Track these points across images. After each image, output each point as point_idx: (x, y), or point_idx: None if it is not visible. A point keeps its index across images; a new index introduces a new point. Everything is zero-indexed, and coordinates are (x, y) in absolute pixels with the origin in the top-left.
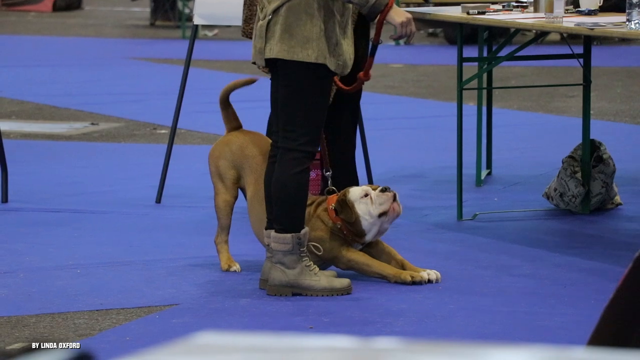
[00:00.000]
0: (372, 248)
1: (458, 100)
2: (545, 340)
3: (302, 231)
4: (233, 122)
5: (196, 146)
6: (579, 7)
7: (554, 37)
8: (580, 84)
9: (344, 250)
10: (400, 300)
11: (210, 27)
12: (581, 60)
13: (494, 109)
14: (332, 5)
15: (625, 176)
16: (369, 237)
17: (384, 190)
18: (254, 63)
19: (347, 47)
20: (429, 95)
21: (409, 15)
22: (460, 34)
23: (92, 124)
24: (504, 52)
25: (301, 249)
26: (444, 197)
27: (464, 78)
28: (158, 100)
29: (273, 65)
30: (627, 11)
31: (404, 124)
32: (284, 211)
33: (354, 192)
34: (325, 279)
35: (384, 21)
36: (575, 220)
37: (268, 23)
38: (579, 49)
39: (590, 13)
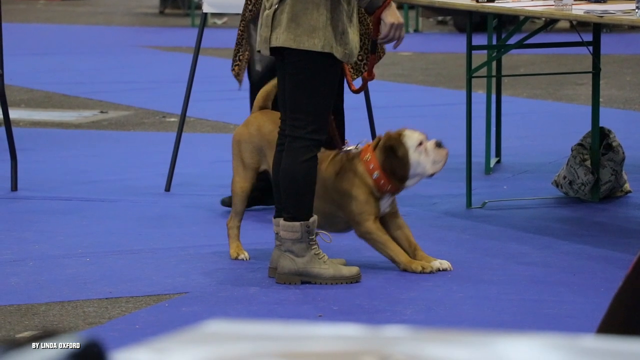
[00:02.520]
0: (390, 219)
1: (467, 88)
2: (554, 328)
3: (311, 219)
4: (261, 105)
5: (205, 134)
6: None
7: (564, 24)
8: (590, 72)
9: (370, 221)
10: (409, 288)
11: (219, 15)
12: (590, 47)
13: (503, 97)
14: None
15: (634, 164)
16: (408, 184)
17: (439, 144)
18: (259, 52)
19: (354, 36)
20: (438, 83)
21: (402, 20)
22: (470, 22)
23: (102, 112)
24: (513, 40)
25: (310, 237)
26: (453, 185)
27: (474, 66)
28: (167, 89)
29: (279, 54)
30: None
31: (413, 112)
32: (293, 199)
33: (411, 138)
34: (333, 267)
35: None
36: (585, 208)
37: (274, 12)
38: (588, 37)
39: (599, 0)
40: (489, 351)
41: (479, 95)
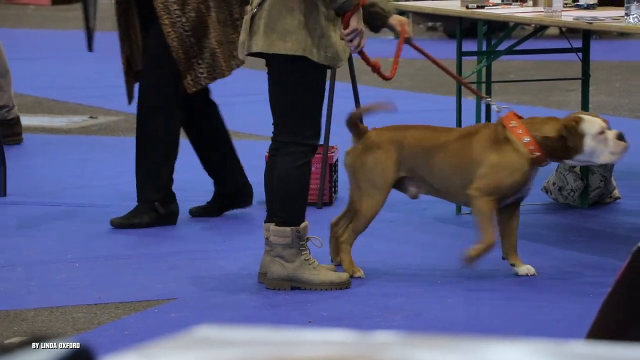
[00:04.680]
0: (511, 208)
1: (457, 94)
2: (544, 333)
3: (302, 224)
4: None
5: None
6: (578, 1)
7: (553, 31)
8: (579, 78)
9: (491, 199)
10: (399, 294)
11: None
12: (580, 54)
13: None
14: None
15: (623, 170)
16: (566, 162)
17: (620, 137)
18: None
19: (338, 39)
20: (427, 89)
21: (362, 29)
22: (460, 28)
23: (91, 117)
24: (503, 47)
25: (300, 243)
26: None
27: (463, 72)
28: None
29: (265, 60)
30: (625, 5)
31: (403, 118)
32: (285, 204)
33: (592, 124)
34: (324, 272)
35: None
36: (574, 214)
37: (252, 17)
38: (577, 43)
39: (589, 7)
40: (479, 356)
41: (469, 102)
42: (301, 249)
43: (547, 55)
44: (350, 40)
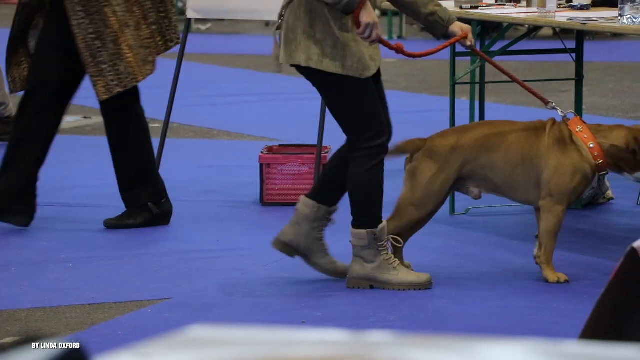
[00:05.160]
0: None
1: (451, 95)
2: (538, 333)
3: (380, 226)
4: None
5: (189, 140)
6: (572, 1)
7: (547, 31)
8: (573, 79)
9: (565, 204)
10: (394, 294)
11: (203, 21)
12: (574, 55)
13: (487, 103)
14: (324, 7)
15: None
16: (628, 175)
17: None
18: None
19: (358, 47)
20: (422, 89)
21: (375, 20)
22: None
23: (85, 117)
24: (496, 47)
25: (379, 244)
26: None
27: (457, 73)
28: (151, 94)
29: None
30: (619, 6)
31: (398, 119)
32: (359, 208)
33: None
34: (403, 273)
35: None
36: (568, 214)
37: (278, 28)
38: (571, 44)
39: (582, 8)
40: (473, 356)
41: (463, 102)
42: (380, 249)
43: (540, 55)
44: (368, 36)
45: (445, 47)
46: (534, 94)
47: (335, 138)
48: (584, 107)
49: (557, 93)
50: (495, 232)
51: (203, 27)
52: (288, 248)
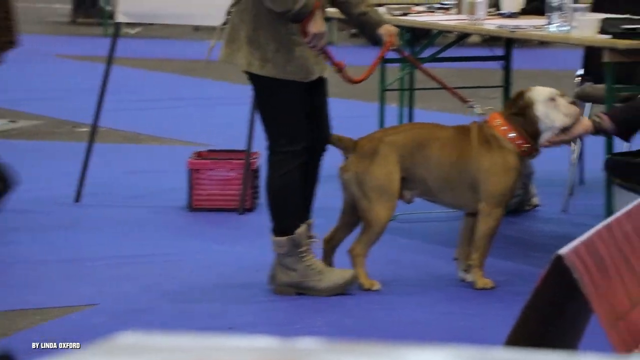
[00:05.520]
0: (474, 216)
1: (380, 101)
2: (465, 339)
3: (298, 231)
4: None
5: (117, 144)
6: (501, 9)
7: (475, 39)
8: (501, 86)
9: (503, 207)
10: (322, 300)
11: (132, 24)
12: (502, 62)
13: (415, 110)
14: (270, 12)
15: (542, 178)
16: (543, 140)
17: (572, 102)
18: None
19: (303, 52)
20: (351, 95)
21: (322, 30)
22: None
23: (11, 121)
24: (426, 54)
25: (299, 250)
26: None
27: (387, 79)
28: (79, 98)
29: None
30: (547, 14)
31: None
32: (275, 214)
33: (539, 92)
34: (327, 275)
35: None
36: None
37: (223, 26)
38: (499, 51)
39: (511, 15)
40: None
41: (392, 108)
42: (301, 255)
43: (469, 63)
44: (314, 46)
45: (378, 62)
46: (455, 94)
47: (264, 144)
48: None
49: (485, 100)
50: (424, 238)
51: (132, 31)
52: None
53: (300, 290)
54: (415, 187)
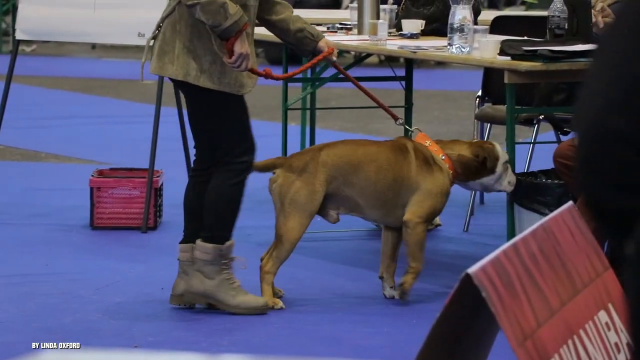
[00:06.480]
0: (398, 229)
1: (283, 120)
2: (368, 358)
3: (227, 243)
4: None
5: (16, 162)
6: (402, 30)
7: (373, 59)
8: (403, 106)
9: (427, 222)
10: (226, 319)
11: (28, 42)
12: (403, 82)
13: (317, 129)
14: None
15: None
16: (469, 184)
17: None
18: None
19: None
20: (253, 115)
21: (248, 51)
22: (286, 55)
23: None
24: (327, 74)
25: (223, 261)
26: (265, 216)
27: (289, 98)
28: None
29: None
30: (448, 35)
31: None
32: (214, 221)
33: (503, 152)
34: (242, 295)
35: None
36: None
37: (154, 39)
38: (399, 72)
39: (412, 36)
40: None
41: (292, 128)
42: (222, 267)
43: (365, 83)
44: (238, 66)
45: (314, 64)
46: (386, 109)
47: (166, 163)
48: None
49: (383, 120)
50: (326, 257)
51: (28, 49)
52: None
53: (212, 301)
54: (343, 205)
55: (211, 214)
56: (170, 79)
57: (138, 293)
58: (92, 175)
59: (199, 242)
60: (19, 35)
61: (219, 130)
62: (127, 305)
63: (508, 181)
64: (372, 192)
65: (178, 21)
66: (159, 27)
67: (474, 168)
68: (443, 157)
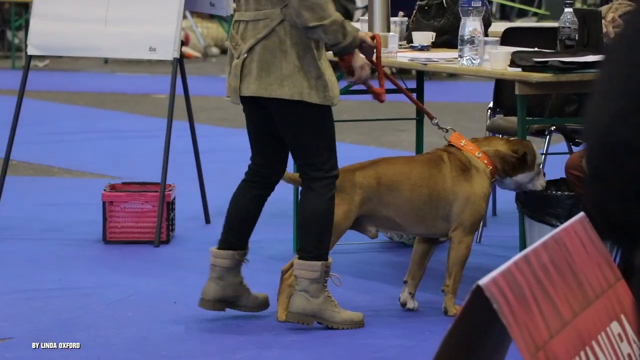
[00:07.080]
0: (433, 240)
1: None
2: None
3: (330, 260)
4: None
5: (29, 177)
6: (413, 42)
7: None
8: (414, 119)
9: (473, 234)
10: (239, 334)
11: (40, 57)
12: (414, 94)
13: None
14: (308, 39)
15: None
16: (505, 182)
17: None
18: (229, 97)
19: (331, 77)
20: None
21: (365, 61)
22: None
23: None
24: (339, 86)
25: (325, 279)
26: (280, 229)
27: None
28: None
29: (251, 103)
30: (459, 47)
31: (240, 157)
32: (315, 238)
33: (538, 153)
34: (342, 312)
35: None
36: (409, 252)
37: (244, 61)
38: (410, 84)
39: (423, 49)
40: None
41: None
42: (325, 285)
43: None
44: (358, 77)
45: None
46: (422, 109)
47: (178, 177)
48: (423, 146)
49: (396, 132)
50: (337, 270)
51: (40, 64)
52: (218, 304)
53: (319, 319)
54: (382, 225)
55: (312, 232)
56: (257, 98)
57: (151, 307)
58: (105, 190)
59: (302, 261)
60: (30, 51)
61: (316, 145)
62: (140, 320)
63: (541, 183)
64: (409, 210)
65: (283, 42)
66: (248, 50)
67: (512, 164)
68: (479, 155)
